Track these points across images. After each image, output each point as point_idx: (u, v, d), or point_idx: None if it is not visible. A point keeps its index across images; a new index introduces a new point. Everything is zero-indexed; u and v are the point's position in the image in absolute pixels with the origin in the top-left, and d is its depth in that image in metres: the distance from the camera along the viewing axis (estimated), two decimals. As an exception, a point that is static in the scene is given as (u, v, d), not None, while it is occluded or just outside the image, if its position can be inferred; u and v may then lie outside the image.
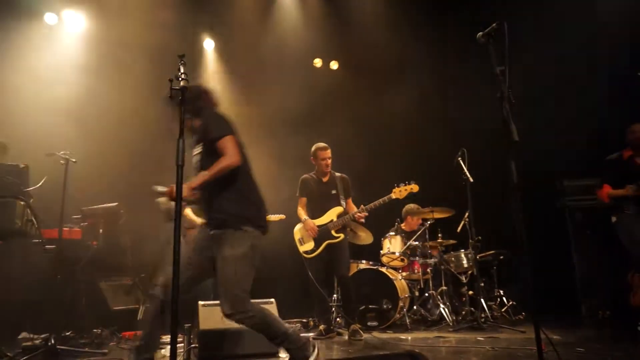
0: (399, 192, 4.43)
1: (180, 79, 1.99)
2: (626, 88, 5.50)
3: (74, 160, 3.89)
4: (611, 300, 4.26)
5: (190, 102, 2.29)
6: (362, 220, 4.45)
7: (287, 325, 2.55)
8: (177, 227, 1.86)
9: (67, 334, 4.15)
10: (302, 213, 4.55)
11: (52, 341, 3.44)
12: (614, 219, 4.26)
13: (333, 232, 4.39)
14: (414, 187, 4.42)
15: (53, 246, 3.93)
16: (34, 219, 3.86)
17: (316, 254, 4.41)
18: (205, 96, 2.67)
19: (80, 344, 3.97)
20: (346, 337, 4.27)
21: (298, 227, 4.58)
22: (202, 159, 2.53)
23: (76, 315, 4.43)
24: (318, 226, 4.42)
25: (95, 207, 4.87)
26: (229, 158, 2.38)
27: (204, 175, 2.36)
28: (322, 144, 4.58)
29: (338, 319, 5.06)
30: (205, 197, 2.51)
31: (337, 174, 4.62)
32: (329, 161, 4.53)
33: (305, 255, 4.48)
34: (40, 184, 3.90)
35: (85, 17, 5.95)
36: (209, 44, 6.75)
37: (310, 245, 4.45)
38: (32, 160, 3.89)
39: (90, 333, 4.23)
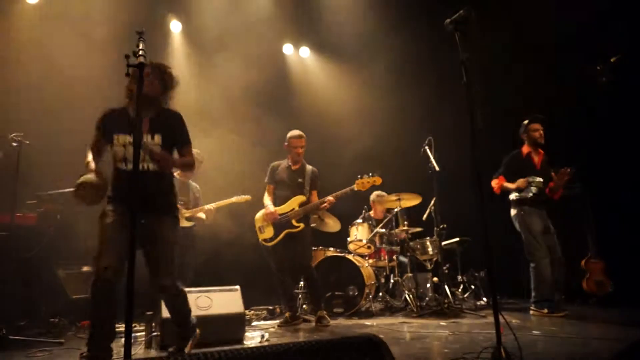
0: (362, 184, 4.38)
1: (137, 55, 1.90)
2: (590, 82, 5.67)
3: (27, 142, 3.70)
4: (565, 284, 4.45)
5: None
6: (327, 207, 4.41)
7: None
8: (133, 215, 1.78)
9: (22, 323, 3.98)
10: (266, 199, 4.48)
11: (4, 331, 3.29)
12: (513, 212, 4.53)
13: (294, 222, 4.33)
14: (377, 180, 4.39)
15: (4, 233, 3.74)
16: (-17, 204, 3.67)
17: (275, 242, 4.35)
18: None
19: (35, 333, 3.82)
20: (313, 324, 4.28)
21: (259, 214, 4.50)
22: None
23: (32, 304, 4.25)
24: (280, 214, 4.37)
25: (52, 192, 4.66)
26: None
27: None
28: (297, 132, 4.49)
29: (304, 306, 5.07)
30: None
31: (309, 166, 4.56)
32: (302, 150, 4.45)
33: (264, 243, 4.44)
34: (-11, 166, 3.69)
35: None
36: (175, 26, 6.52)
37: (269, 233, 4.39)
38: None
39: (46, 322, 4.07)
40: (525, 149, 4.60)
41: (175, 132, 2.78)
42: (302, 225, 4.34)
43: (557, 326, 3.67)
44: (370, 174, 4.40)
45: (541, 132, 4.53)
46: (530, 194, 4.36)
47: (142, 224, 2.38)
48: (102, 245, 2.51)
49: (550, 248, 4.34)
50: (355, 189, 4.39)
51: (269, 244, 4.39)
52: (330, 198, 4.36)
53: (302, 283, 5.11)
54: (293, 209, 4.37)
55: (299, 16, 6.66)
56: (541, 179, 4.34)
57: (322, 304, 4.44)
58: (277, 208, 4.40)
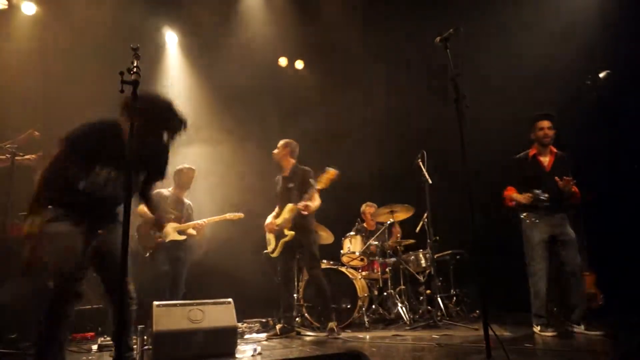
0: (322, 183, 4.27)
1: (132, 72, 1.92)
2: (578, 96, 5.77)
3: (21, 154, 3.71)
4: (559, 298, 4.45)
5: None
6: (305, 212, 4.30)
7: None
8: (126, 229, 1.80)
9: (13, 336, 3.94)
10: (270, 215, 4.59)
11: (-5, 344, 3.26)
12: (522, 216, 4.20)
13: (285, 231, 4.37)
14: (332, 173, 4.23)
15: (-3, 244, 3.72)
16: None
17: (276, 253, 4.44)
18: None
19: (25, 346, 3.78)
20: (302, 338, 4.27)
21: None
22: None
23: (24, 317, 4.21)
24: (277, 225, 4.43)
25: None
26: None
27: None
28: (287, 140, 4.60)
29: (297, 319, 5.04)
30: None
31: (300, 167, 4.53)
32: (275, 153, 4.54)
33: (269, 255, 4.53)
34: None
35: (39, 2, 5.64)
36: (171, 37, 6.57)
37: (272, 245, 4.50)
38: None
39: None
40: (532, 150, 4.15)
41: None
42: (292, 233, 4.33)
43: (548, 339, 3.68)
44: (326, 169, 4.30)
45: (546, 131, 4.05)
46: (542, 204, 3.96)
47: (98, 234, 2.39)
48: (67, 254, 2.33)
49: (562, 258, 4.00)
50: (319, 187, 4.33)
51: (272, 255, 4.49)
52: (303, 204, 4.29)
53: (295, 295, 5.09)
54: (285, 218, 4.40)
55: (295, 30, 6.73)
56: (547, 195, 3.92)
57: (331, 314, 4.38)
58: (278, 219, 4.46)
